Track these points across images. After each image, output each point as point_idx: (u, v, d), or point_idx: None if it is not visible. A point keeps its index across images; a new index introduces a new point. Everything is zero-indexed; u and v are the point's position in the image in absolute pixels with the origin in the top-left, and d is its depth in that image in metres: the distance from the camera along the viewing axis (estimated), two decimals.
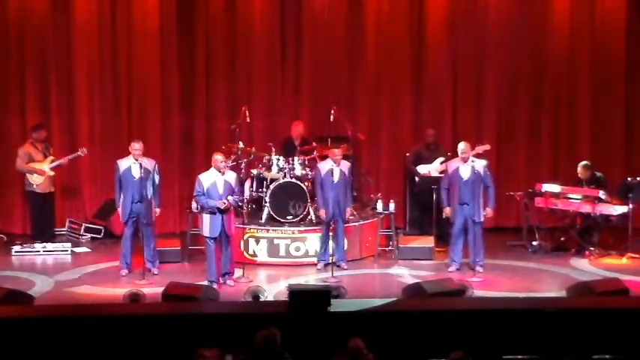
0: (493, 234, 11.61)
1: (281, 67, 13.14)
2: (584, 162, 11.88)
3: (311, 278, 10.62)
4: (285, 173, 11.56)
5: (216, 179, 10.04)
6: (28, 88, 12.77)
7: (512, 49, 13.04)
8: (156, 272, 10.63)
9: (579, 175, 11.78)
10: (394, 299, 8.75)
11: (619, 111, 13.28)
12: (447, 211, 10.90)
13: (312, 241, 11.23)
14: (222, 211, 9.98)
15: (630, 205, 11.32)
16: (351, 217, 11.28)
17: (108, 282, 10.32)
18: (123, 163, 10.57)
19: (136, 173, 10.45)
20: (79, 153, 12.18)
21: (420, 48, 13.19)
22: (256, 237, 11.26)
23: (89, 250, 12.03)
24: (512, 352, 7.62)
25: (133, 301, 8.74)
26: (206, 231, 10.09)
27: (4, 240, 12.38)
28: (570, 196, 11.65)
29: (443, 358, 6.89)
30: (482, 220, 10.70)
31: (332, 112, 11.92)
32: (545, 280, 10.57)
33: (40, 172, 11.88)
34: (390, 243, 11.64)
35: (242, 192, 11.02)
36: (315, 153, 11.96)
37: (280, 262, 11.21)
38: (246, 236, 11.23)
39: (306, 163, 11.71)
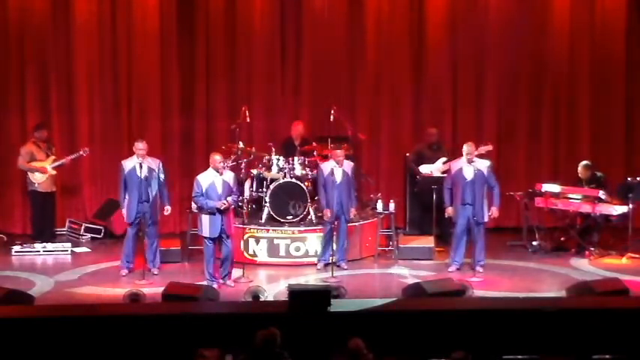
0: (493, 234, 11.60)
1: (281, 67, 13.14)
2: (584, 162, 11.88)
3: (311, 278, 10.61)
4: (285, 173, 11.56)
5: (214, 180, 10.04)
6: (28, 88, 12.77)
7: (512, 49, 13.04)
8: (156, 272, 10.63)
9: (580, 175, 11.79)
10: (394, 299, 8.75)
11: (619, 111, 13.28)
12: (449, 211, 10.90)
13: (312, 241, 11.23)
14: (221, 212, 9.98)
15: (630, 205, 11.32)
16: (353, 218, 11.24)
17: (108, 282, 10.32)
18: (127, 164, 10.57)
19: (142, 173, 10.45)
20: (81, 153, 12.19)
21: (420, 48, 13.19)
22: (256, 237, 11.26)
23: (89, 250, 12.02)
24: (512, 352, 7.62)
25: (133, 301, 8.75)
26: (206, 231, 10.09)
27: (4, 240, 12.38)
28: (570, 196, 11.65)
29: (443, 358, 6.90)
30: (485, 220, 10.71)
31: (332, 112, 11.92)
32: (545, 280, 10.56)
33: (42, 170, 11.88)
34: (390, 243, 11.64)
35: (241, 191, 11.01)
36: (315, 153, 11.96)
37: (280, 262, 11.21)
38: (246, 236, 11.23)
39: (306, 163, 11.71)
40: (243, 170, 11.70)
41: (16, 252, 11.61)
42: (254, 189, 11.73)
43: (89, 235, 12.49)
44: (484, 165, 10.77)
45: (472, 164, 10.66)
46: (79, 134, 12.89)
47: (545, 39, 13.16)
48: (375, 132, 13.20)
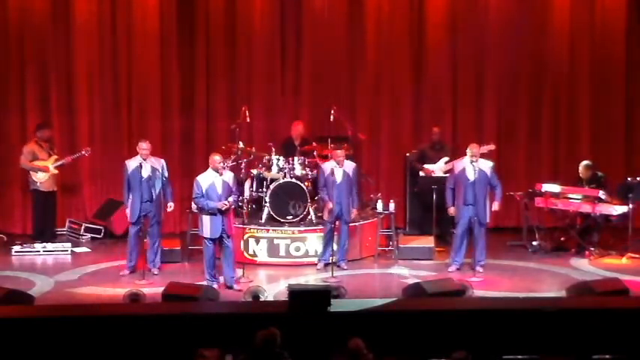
0: (493, 234, 11.60)
1: (281, 67, 13.14)
2: (585, 161, 11.88)
3: (311, 278, 10.61)
4: (285, 173, 11.56)
5: (214, 180, 10.03)
6: (28, 88, 12.77)
7: (512, 49, 13.04)
8: (156, 272, 10.63)
9: (580, 175, 11.78)
10: (394, 299, 8.75)
11: (619, 111, 13.28)
12: (451, 210, 10.89)
13: (312, 241, 11.23)
14: (222, 212, 9.97)
15: (630, 205, 11.32)
16: (354, 219, 11.23)
17: (108, 282, 10.31)
18: (131, 163, 10.57)
19: (145, 173, 10.46)
20: (83, 152, 12.20)
21: (420, 48, 13.19)
22: (256, 237, 11.26)
23: (89, 250, 12.02)
24: (512, 352, 7.62)
25: (133, 301, 8.74)
26: (206, 232, 10.07)
27: (4, 240, 12.38)
28: (570, 196, 11.65)
29: (443, 358, 6.90)
30: (487, 221, 10.72)
31: (332, 112, 11.92)
32: (545, 280, 10.56)
33: (44, 169, 11.89)
34: (390, 243, 11.64)
35: (241, 192, 11.01)
36: (315, 153, 11.96)
37: (280, 262, 11.21)
38: (246, 236, 11.23)
39: (306, 163, 11.71)
40: (243, 170, 11.70)
41: (16, 252, 11.61)
42: (254, 189, 11.74)
43: (89, 235, 12.49)
44: (487, 165, 10.77)
45: (475, 165, 10.65)
46: (79, 134, 12.89)
47: (545, 39, 13.17)
48: (375, 132, 13.20)
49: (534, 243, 11.82)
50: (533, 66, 13.19)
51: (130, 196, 10.54)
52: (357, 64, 13.18)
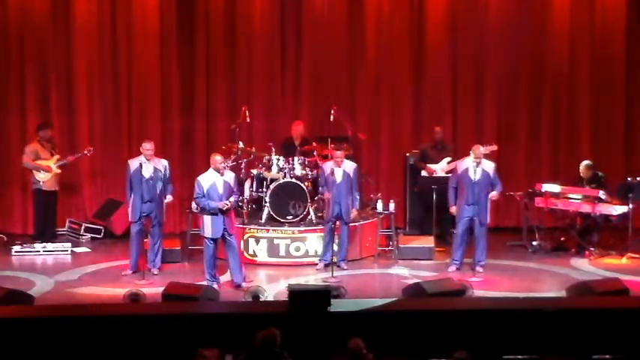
0: (493, 234, 11.59)
1: (281, 67, 13.14)
2: (586, 161, 11.87)
3: (311, 278, 10.61)
4: (285, 173, 11.56)
5: (215, 180, 10.02)
6: (28, 88, 12.77)
7: (512, 49, 13.04)
8: (156, 272, 10.63)
9: (581, 174, 11.78)
10: (394, 299, 8.75)
11: (619, 111, 13.28)
12: (453, 209, 10.89)
13: (312, 241, 11.23)
14: (223, 212, 9.97)
15: (630, 205, 11.32)
16: (354, 219, 11.21)
17: (108, 282, 10.31)
18: (133, 163, 10.59)
19: (146, 173, 10.48)
20: (85, 152, 12.20)
21: (420, 48, 13.19)
22: (256, 237, 11.26)
23: (89, 250, 12.02)
24: (512, 352, 7.61)
25: (133, 301, 8.74)
26: (208, 232, 10.06)
27: (4, 240, 12.38)
28: (570, 196, 11.65)
29: (443, 358, 6.90)
30: (488, 221, 10.71)
31: (332, 112, 11.93)
32: (545, 280, 10.56)
33: (46, 168, 11.89)
34: (390, 243, 11.63)
35: (241, 191, 11.01)
36: (315, 153, 11.96)
37: (280, 262, 11.21)
38: (246, 236, 11.23)
39: (306, 163, 11.71)
40: (243, 170, 11.70)
41: (16, 252, 11.61)
42: (254, 189, 11.74)
43: (89, 235, 12.49)
44: (490, 166, 10.77)
45: (479, 166, 10.65)
46: (79, 134, 12.89)
47: (545, 39, 13.17)
48: (375, 132, 13.20)
49: (534, 243, 11.82)
50: (533, 66, 13.19)
51: (132, 196, 10.55)
52: (357, 64, 13.18)
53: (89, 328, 7.77)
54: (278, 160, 11.69)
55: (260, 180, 11.74)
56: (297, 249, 11.25)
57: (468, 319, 7.99)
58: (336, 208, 10.76)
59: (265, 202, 11.48)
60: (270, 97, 13.11)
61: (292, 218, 11.43)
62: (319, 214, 11.35)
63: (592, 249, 11.48)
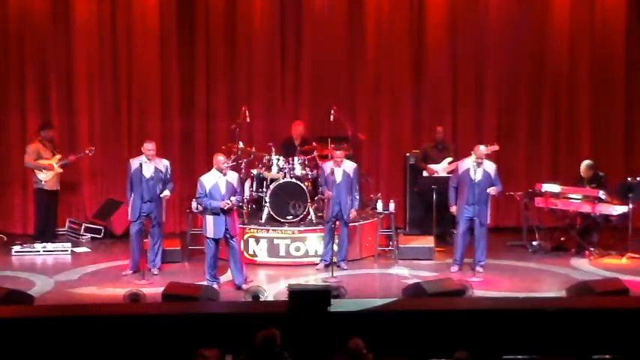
0: (493, 234, 11.58)
1: (281, 67, 13.14)
2: (587, 161, 11.87)
3: (311, 278, 10.61)
4: (285, 173, 11.56)
5: (218, 180, 10.01)
6: (28, 88, 12.77)
7: (512, 49, 13.04)
8: (156, 272, 10.63)
9: (582, 174, 11.78)
10: (394, 299, 8.75)
11: (619, 111, 13.29)
12: (453, 209, 10.89)
13: (312, 241, 11.23)
14: (225, 212, 9.96)
15: (630, 205, 11.32)
16: (353, 219, 11.21)
17: (108, 282, 10.31)
18: (134, 163, 10.59)
19: (147, 173, 10.48)
20: (86, 152, 12.21)
21: (420, 48, 13.19)
22: (256, 237, 11.26)
23: (89, 250, 12.01)
24: (512, 352, 7.61)
25: (133, 301, 8.74)
26: (209, 232, 10.05)
27: (4, 240, 12.37)
28: (570, 196, 11.65)
29: (443, 358, 6.90)
30: (488, 222, 10.71)
31: (332, 112, 11.93)
32: (545, 280, 10.56)
33: (49, 167, 11.89)
34: (390, 243, 11.63)
35: (243, 192, 11.00)
36: (315, 153, 11.96)
37: (280, 262, 11.21)
38: (246, 236, 11.23)
39: (306, 163, 11.71)
40: (243, 170, 11.70)
41: (16, 252, 11.60)
42: (254, 189, 11.74)
43: (89, 235, 12.49)
44: (491, 167, 10.76)
45: (480, 166, 10.64)
46: (79, 134, 12.89)
47: (545, 39, 13.17)
48: (375, 132, 13.20)
49: (534, 243, 11.82)
50: (533, 66, 13.20)
51: (132, 195, 10.55)
52: (357, 64, 13.18)
53: (89, 328, 7.77)
54: (278, 160, 11.69)
55: (260, 180, 11.74)
56: (297, 249, 11.25)
57: (468, 319, 7.99)
58: (335, 208, 10.76)
59: (265, 202, 11.48)
60: (270, 97, 13.11)
61: (292, 218, 11.43)
62: (319, 214, 11.35)
63: (592, 249, 11.48)
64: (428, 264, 11.22)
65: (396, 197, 12.07)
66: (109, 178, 12.94)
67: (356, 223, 11.40)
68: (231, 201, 9.95)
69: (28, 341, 7.62)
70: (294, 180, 11.47)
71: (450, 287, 9.10)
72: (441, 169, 12.20)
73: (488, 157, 11.13)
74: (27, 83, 12.77)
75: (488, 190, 10.64)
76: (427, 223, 11.97)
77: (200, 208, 10.48)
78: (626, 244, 11.44)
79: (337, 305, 8.01)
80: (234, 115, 12.39)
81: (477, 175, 10.62)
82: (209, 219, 10.04)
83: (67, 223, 12.71)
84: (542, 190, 11.78)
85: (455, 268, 10.79)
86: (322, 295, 8.00)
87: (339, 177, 10.81)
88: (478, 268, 10.70)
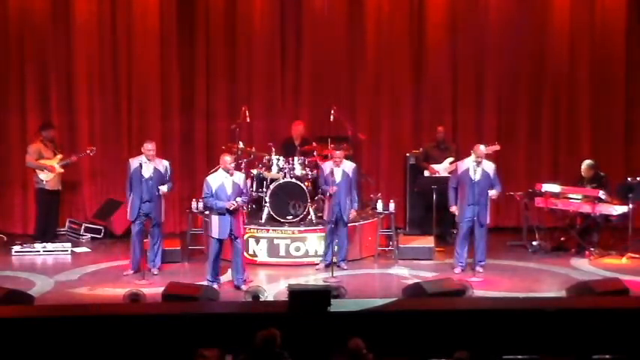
0: (493, 234, 11.59)
1: (281, 67, 13.14)
2: (588, 161, 11.87)
3: (311, 278, 10.61)
4: (285, 173, 11.57)
5: (224, 181, 9.99)
6: (28, 88, 12.77)
7: (512, 49, 13.04)
8: (155, 272, 10.63)
9: (582, 174, 11.77)
10: (394, 299, 8.75)
11: (619, 111, 13.28)
12: (453, 209, 10.88)
13: (312, 241, 11.23)
14: (230, 213, 9.95)
15: (630, 205, 11.32)
16: (353, 219, 11.20)
17: (108, 282, 10.31)
18: (133, 163, 10.59)
19: (146, 173, 10.47)
20: (88, 152, 12.20)
21: (420, 48, 13.19)
22: (256, 237, 11.26)
23: (89, 250, 12.01)
24: (512, 352, 7.62)
25: (133, 301, 8.74)
26: (215, 232, 10.03)
27: (4, 240, 12.38)
28: (570, 196, 11.65)
29: (443, 358, 6.90)
30: (488, 222, 10.70)
31: (332, 112, 11.93)
32: (545, 280, 10.56)
33: (50, 168, 11.89)
34: (390, 243, 11.63)
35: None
36: (315, 153, 11.97)
37: (280, 262, 11.21)
38: (246, 236, 11.20)
39: (306, 163, 11.71)
40: (243, 170, 11.69)
41: (16, 252, 11.60)
42: (254, 189, 11.73)
43: (89, 235, 12.48)
44: (490, 167, 10.76)
45: (479, 166, 10.64)
46: (79, 134, 12.89)
47: (545, 39, 13.17)
48: (375, 132, 13.20)
49: (534, 243, 11.82)
50: (533, 66, 13.19)
51: (131, 195, 10.55)
52: (357, 64, 13.18)
53: (89, 328, 7.77)
54: (278, 160, 11.69)
55: (260, 180, 11.74)
56: (297, 249, 11.25)
57: (468, 319, 7.99)
58: (335, 208, 10.76)
59: (265, 202, 11.48)
60: (270, 97, 13.11)
61: (292, 218, 11.43)
62: (319, 214, 11.35)
63: (592, 249, 11.48)
64: (428, 264, 11.22)
65: (396, 197, 12.07)
66: (109, 178, 12.93)
67: (356, 223, 11.40)
68: (237, 202, 9.93)
69: (28, 341, 7.62)
70: (294, 180, 11.48)
71: (449, 287, 9.10)
72: (442, 169, 12.21)
73: (489, 157, 11.13)
74: (27, 83, 12.77)
75: (490, 194, 10.64)
76: (427, 223, 11.97)
77: (202, 207, 10.45)
78: (626, 244, 11.44)
79: (337, 305, 8.01)
80: (234, 115, 12.39)
81: (477, 175, 10.62)
82: (214, 219, 10.03)
83: (67, 223, 12.70)
84: (542, 190, 11.78)
85: (458, 270, 10.76)
86: (322, 295, 8.00)
87: (338, 177, 10.80)
88: (478, 268, 10.70)
